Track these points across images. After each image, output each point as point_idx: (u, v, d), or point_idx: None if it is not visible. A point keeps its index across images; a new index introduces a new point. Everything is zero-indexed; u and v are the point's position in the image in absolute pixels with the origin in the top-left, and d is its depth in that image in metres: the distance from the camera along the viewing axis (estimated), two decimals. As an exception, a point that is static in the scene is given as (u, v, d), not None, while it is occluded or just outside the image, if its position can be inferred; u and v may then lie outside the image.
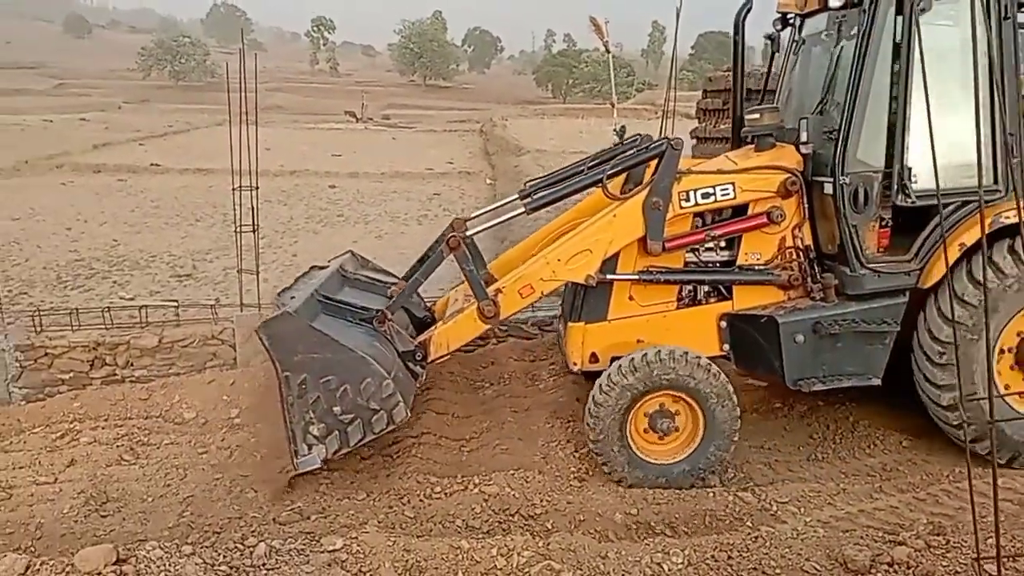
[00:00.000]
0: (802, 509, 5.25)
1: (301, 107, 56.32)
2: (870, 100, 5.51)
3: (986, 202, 5.47)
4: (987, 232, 5.44)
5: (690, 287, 6.04)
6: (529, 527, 5.04)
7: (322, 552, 4.42)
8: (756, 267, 5.94)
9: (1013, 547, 4.29)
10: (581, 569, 4.31)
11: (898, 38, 5.48)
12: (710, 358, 5.66)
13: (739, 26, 6.68)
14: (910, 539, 4.46)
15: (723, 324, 5.94)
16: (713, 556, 4.43)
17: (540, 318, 8.27)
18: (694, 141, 11.41)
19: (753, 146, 6.14)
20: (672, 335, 5.83)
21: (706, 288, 6.04)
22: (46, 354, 7.56)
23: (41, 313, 7.92)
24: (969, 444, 5.69)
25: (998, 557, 3.81)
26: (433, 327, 6.05)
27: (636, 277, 5.86)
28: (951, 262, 5.52)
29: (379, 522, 5.08)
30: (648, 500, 5.35)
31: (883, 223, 5.72)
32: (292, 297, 5.89)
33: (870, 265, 5.66)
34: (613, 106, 15.12)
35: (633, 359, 5.50)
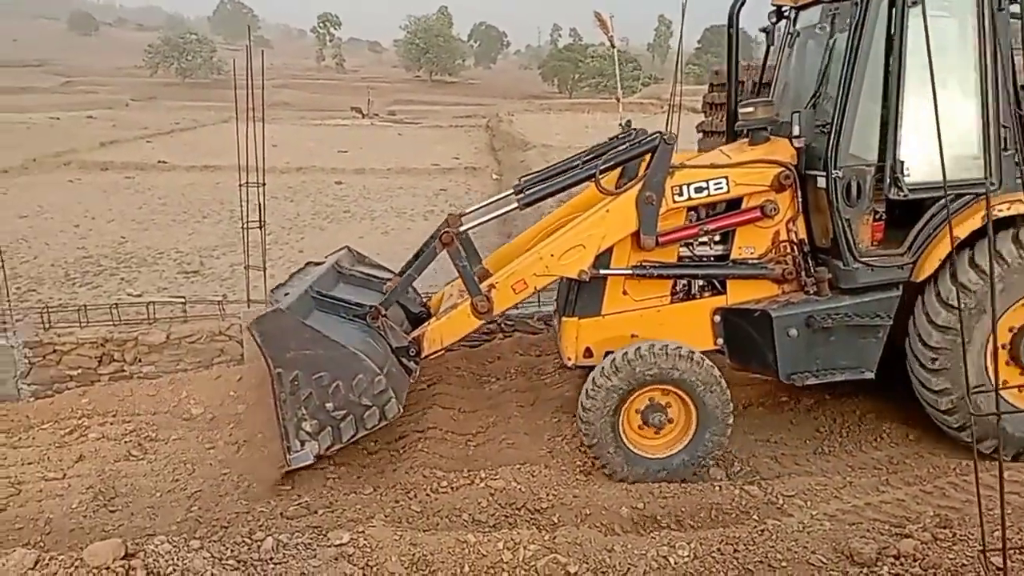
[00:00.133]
0: (808, 502, 5.25)
1: (307, 103, 56.37)
2: (863, 93, 5.49)
3: (979, 195, 5.46)
4: (979, 226, 5.44)
5: (684, 281, 6.04)
6: (535, 521, 5.05)
7: (329, 546, 4.43)
8: (750, 261, 5.93)
9: (1019, 539, 4.28)
10: (587, 562, 4.31)
11: (892, 31, 5.45)
12: (704, 352, 5.66)
13: (734, 19, 6.67)
14: (916, 532, 4.46)
15: (717, 318, 5.94)
16: (719, 549, 4.44)
17: (546, 313, 8.27)
18: (700, 135, 11.37)
19: (747, 140, 6.13)
20: (666, 330, 5.83)
21: (700, 282, 6.04)
22: (55, 351, 7.61)
23: (49, 310, 7.96)
24: (961, 436, 5.74)
25: (1004, 549, 3.80)
26: (427, 323, 6.06)
27: (630, 272, 5.86)
28: (943, 256, 5.52)
29: (386, 516, 5.09)
30: (654, 494, 5.35)
31: (877, 217, 5.71)
32: (286, 294, 5.91)
33: (863, 259, 5.65)
34: (619, 101, 15.05)
35: (614, 360, 5.51)
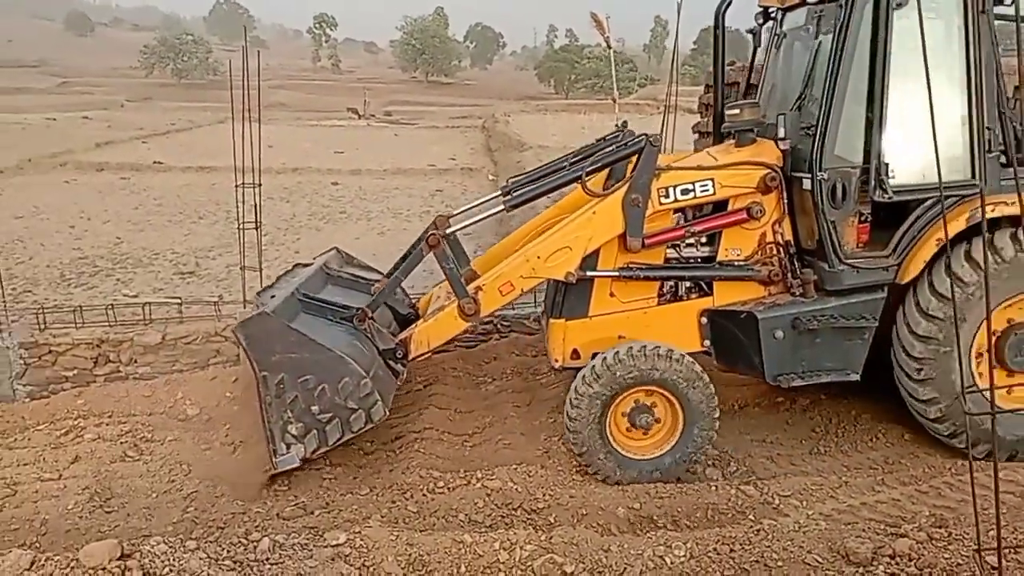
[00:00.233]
0: (804, 502, 5.26)
1: (303, 104, 56.35)
2: (848, 95, 5.49)
3: (964, 197, 5.47)
4: (964, 228, 5.45)
5: (671, 283, 6.05)
6: (532, 521, 5.06)
7: (326, 546, 4.43)
8: (736, 263, 5.93)
9: (1014, 539, 4.29)
10: (583, 563, 4.32)
11: (876, 33, 5.44)
12: (691, 354, 5.66)
13: (719, 20, 6.67)
14: (912, 531, 4.47)
15: (704, 320, 5.94)
16: (715, 549, 4.44)
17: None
18: (696, 136, 11.38)
19: (734, 141, 6.13)
20: (653, 331, 5.83)
21: (687, 284, 6.04)
22: (50, 351, 7.60)
23: (45, 311, 7.96)
24: (953, 443, 5.75)
25: (999, 549, 3.81)
26: (414, 325, 6.06)
27: (616, 274, 5.85)
28: (928, 258, 5.53)
29: (382, 517, 5.10)
30: (650, 494, 5.36)
31: (862, 218, 5.71)
32: (272, 296, 5.90)
33: (848, 261, 5.65)
34: (615, 102, 15.12)
35: (593, 367, 5.52)
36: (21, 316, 8.05)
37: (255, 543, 4.47)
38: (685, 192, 5.75)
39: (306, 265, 6.87)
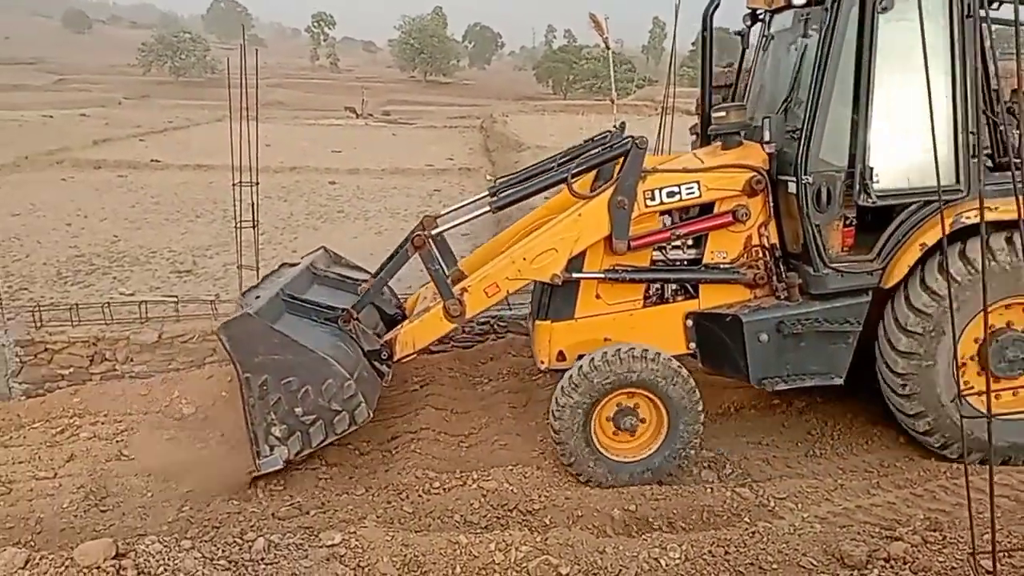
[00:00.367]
0: (799, 505, 5.27)
1: (301, 103, 56.26)
2: (833, 99, 5.48)
3: (947, 202, 5.46)
4: (947, 233, 5.44)
5: (657, 285, 6.04)
6: (527, 522, 5.06)
7: (321, 547, 4.43)
8: (722, 266, 5.93)
9: (1009, 542, 4.30)
10: (579, 564, 4.33)
11: (862, 36, 5.44)
12: (676, 357, 5.66)
13: (707, 22, 6.65)
14: (907, 535, 4.48)
15: (689, 322, 5.94)
16: (710, 551, 4.45)
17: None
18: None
19: (721, 144, 6.13)
20: (638, 333, 5.83)
21: (673, 286, 6.04)
22: (46, 349, 7.59)
23: (41, 309, 7.94)
24: (945, 454, 5.75)
25: (994, 552, 3.83)
26: (400, 326, 6.06)
27: (602, 276, 5.85)
28: (912, 263, 5.53)
29: (378, 517, 5.10)
30: (646, 496, 5.36)
31: (847, 222, 5.71)
32: (257, 297, 5.89)
33: (833, 264, 5.65)
34: (613, 102, 15.13)
35: (571, 376, 5.51)
36: (17, 314, 8.03)
37: (250, 543, 4.47)
38: (671, 195, 5.75)
39: (293, 265, 6.86)
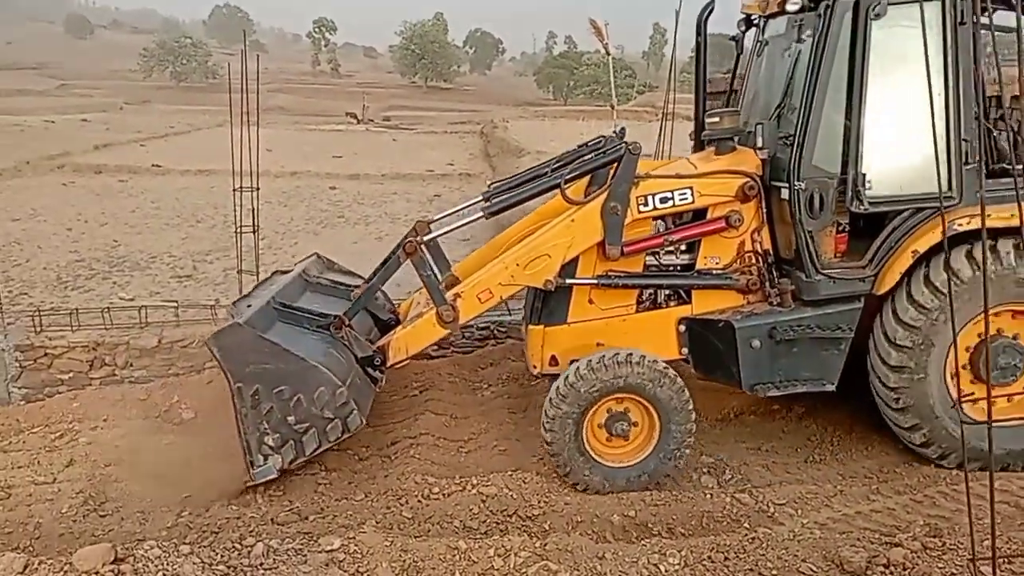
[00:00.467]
0: (799, 511, 5.27)
1: (302, 108, 56.31)
2: (826, 105, 5.48)
3: (939, 210, 5.47)
4: (940, 240, 5.41)
5: (650, 290, 6.04)
6: (527, 528, 5.06)
7: (320, 552, 4.43)
8: (715, 271, 5.93)
9: (1009, 548, 4.29)
10: (578, 570, 4.32)
11: (855, 43, 5.43)
12: (669, 362, 5.65)
13: (701, 27, 6.65)
14: (907, 541, 4.47)
15: (682, 328, 5.94)
16: (710, 557, 4.44)
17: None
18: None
19: (714, 149, 6.13)
20: (631, 338, 5.83)
21: (666, 291, 6.04)
22: (46, 354, 7.59)
23: (41, 313, 7.94)
24: (943, 464, 5.74)
25: (994, 559, 3.82)
26: (392, 331, 6.05)
27: (595, 282, 5.85)
28: (903, 270, 5.54)
29: (377, 522, 5.09)
30: (645, 501, 5.36)
31: (840, 228, 5.72)
32: (248, 306, 5.87)
33: (825, 271, 5.65)
34: (613, 108, 15.14)
35: (557, 388, 5.51)
36: (17, 319, 8.04)
37: (249, 548, 4.47)
38: (664, 200, 5.76)
39: (285, 272, 6.85)
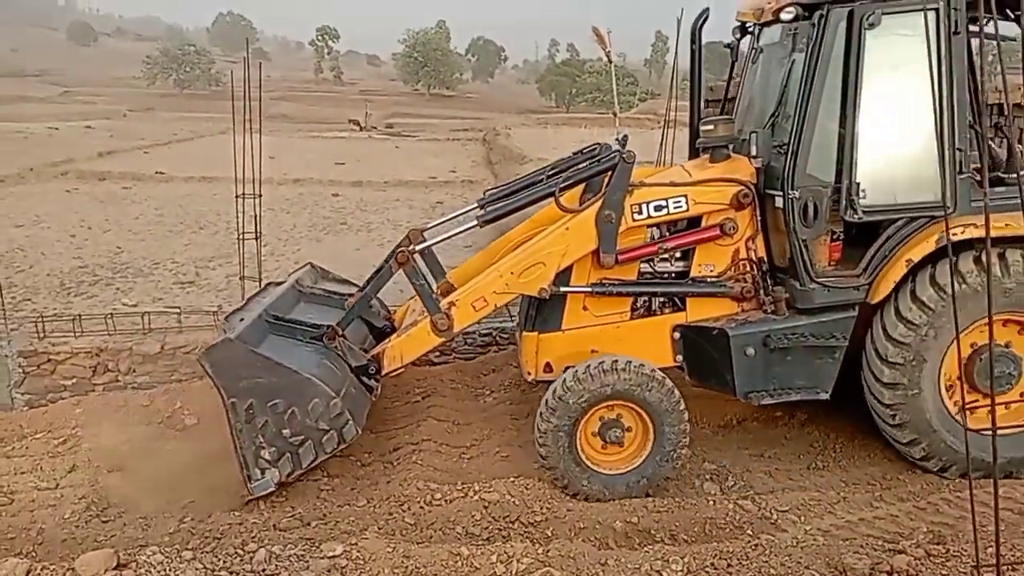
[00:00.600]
0: (802, 517, 5.26)
1: (305, 116, 56.46)
2: (820, 114, 5.48)
3: (933, 219, 5.47)
4: (933, 250, 5.44)
5: (645, 297, 6.04)
6: (529, 534, 5.05)
7: (322, 558, 4.43)
8: (709, 279, 5.93)
9: (1013, 556, 4.29)
10: (580, 576, 4.31)
11: (849, 52, 5.43)
12: (663, 369, 5.65)
13: (696, 35, 6.64)
14: (910, 548, 4.46)
15: (676, 335, 5.93)
16: (713, 564, 4.43)
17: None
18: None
19: (709, 156, 6.12)
20: (625, 345, 5.82)
21: (660, 299, 6.04)
22: (49, 360, 7.61)
23: (44, 319, 7.96)
24: (945, 476, 5.72)
25: (998, 566, 3.81)
26: (387, 340, 6.05)
27: (590, 290, 5.86)
28: (897, 279, 5.53)
29: (379, 528, 5.08)
30: (648, 508, 5.35)
31: (835, 237, 5.71)
32: (241, 320, 5.87)
33: (819, 279, 5.65)
34: (616, 115, 15.17)
35: (547, 401, 5.51)
36: (20, 324, 8.05)
37: (251, 554, 4.47)
38: (658, 208, 5.77)
39: (279, 283, 6.86)
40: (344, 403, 5.43)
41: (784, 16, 5.66)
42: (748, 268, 5.87)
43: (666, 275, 6.04)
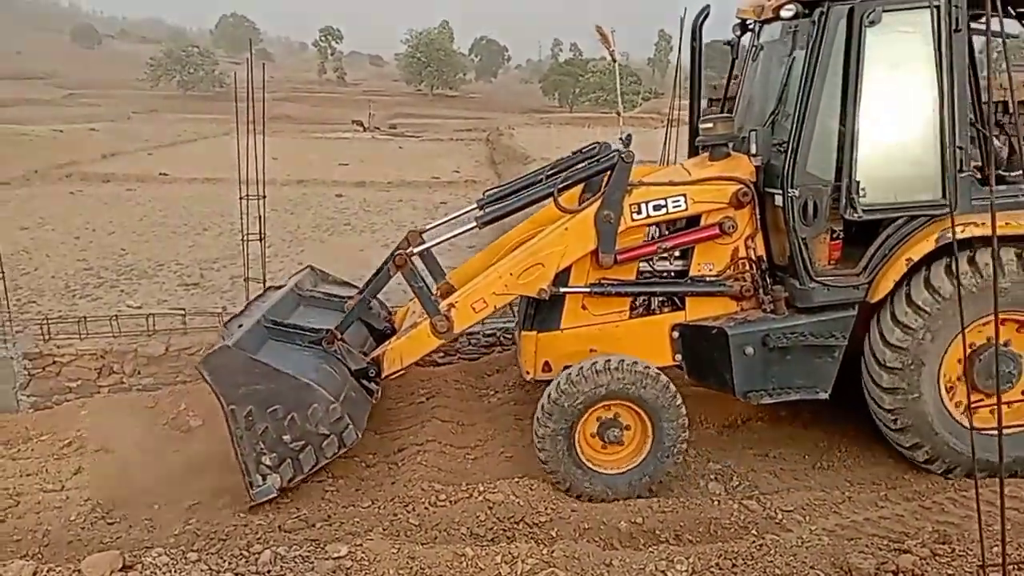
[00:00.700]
0: (807, 517, 5.25)
1: (309, 116, 56.47)
2: (820, 112, 5.47)
3: (932, 218, 5.46)
4: (933, 249, 5.42)
5: (643, 297, 6.03)
6: (533, 535, 5.05)
7: (327, 559, 4.44)
8: (708, 278, 5.91)
9: (1018, 555, 4.27)
10: (585, 577, 4.31)
11: (849, 50, 5.41)
12: (662, 368, 5.63)
13: (696, 32, 6.61)
14: (915, 547, 4.46)
15: (675, 334, 5.92)
16: (718, 564, 4.43)
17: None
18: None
19: (709, 155, 6.11)
20: (624, 344, 5.81)
21: (659, 298, 6.03)
22: (54, 362, 7.62)
23: (49, 321, 7.97)
24: (950, 477, 5.70)
25: (1004, 565, 3.80)
26: (387, 342, 6.05)
27: (588, 290, 5.85)
28: (897, 277, 5.51)
29: (384, 529, 5.09)
30: (653, 508, 5.35)
31: (835, 236, 5.70)
32: (240, 325, 5.87)
33: (819, 278, 5.63)
34: (619, 115, 15.15)
35: (543, 405, 5.49)
36: (25, 327, 8.07)
37: (256, 555, 4.48)
38: (657, 208, 5.75)
39: (278, 288, 6.86)
40: (344, 407, 5.43)
41: (784, 13, 5.65)
42: (747, 267, 5.86)
43: (665, 274, 6.03)
